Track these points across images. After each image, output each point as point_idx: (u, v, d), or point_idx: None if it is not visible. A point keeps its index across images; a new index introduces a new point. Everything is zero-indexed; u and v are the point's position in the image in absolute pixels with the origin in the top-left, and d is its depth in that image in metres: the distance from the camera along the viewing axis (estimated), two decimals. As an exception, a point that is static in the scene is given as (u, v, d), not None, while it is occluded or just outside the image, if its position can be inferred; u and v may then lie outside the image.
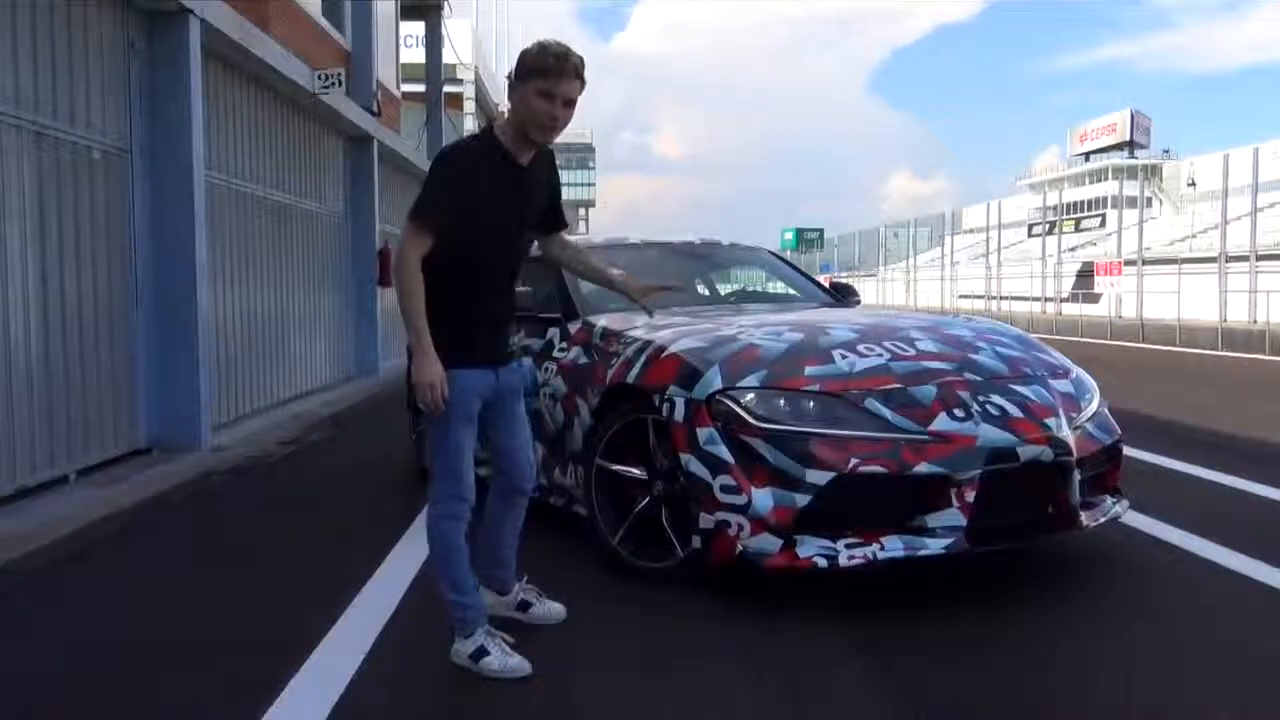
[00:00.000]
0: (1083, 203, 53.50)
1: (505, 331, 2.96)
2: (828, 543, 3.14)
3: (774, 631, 3.04)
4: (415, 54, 17.96)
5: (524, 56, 2.69)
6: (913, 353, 3.58)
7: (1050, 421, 3.39)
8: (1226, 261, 19.74)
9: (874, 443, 3.20)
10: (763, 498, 3.16)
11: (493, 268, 2.82)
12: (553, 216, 3.04)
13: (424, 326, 2.64)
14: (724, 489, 3.23)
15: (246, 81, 8.18)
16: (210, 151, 7.11)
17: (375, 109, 12.00)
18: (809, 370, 3.40)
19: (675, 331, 3.80)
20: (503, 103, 13.89)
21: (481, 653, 2.74)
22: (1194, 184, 39.33)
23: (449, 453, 2.77)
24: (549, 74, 2.65)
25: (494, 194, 2.74)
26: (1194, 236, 28.26)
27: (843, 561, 3.11)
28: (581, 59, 2.70)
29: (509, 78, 2.77)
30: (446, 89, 17.46)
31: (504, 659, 2.73)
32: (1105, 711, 2.52)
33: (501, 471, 3.01)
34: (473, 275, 2.77)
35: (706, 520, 3.27)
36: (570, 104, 2.71)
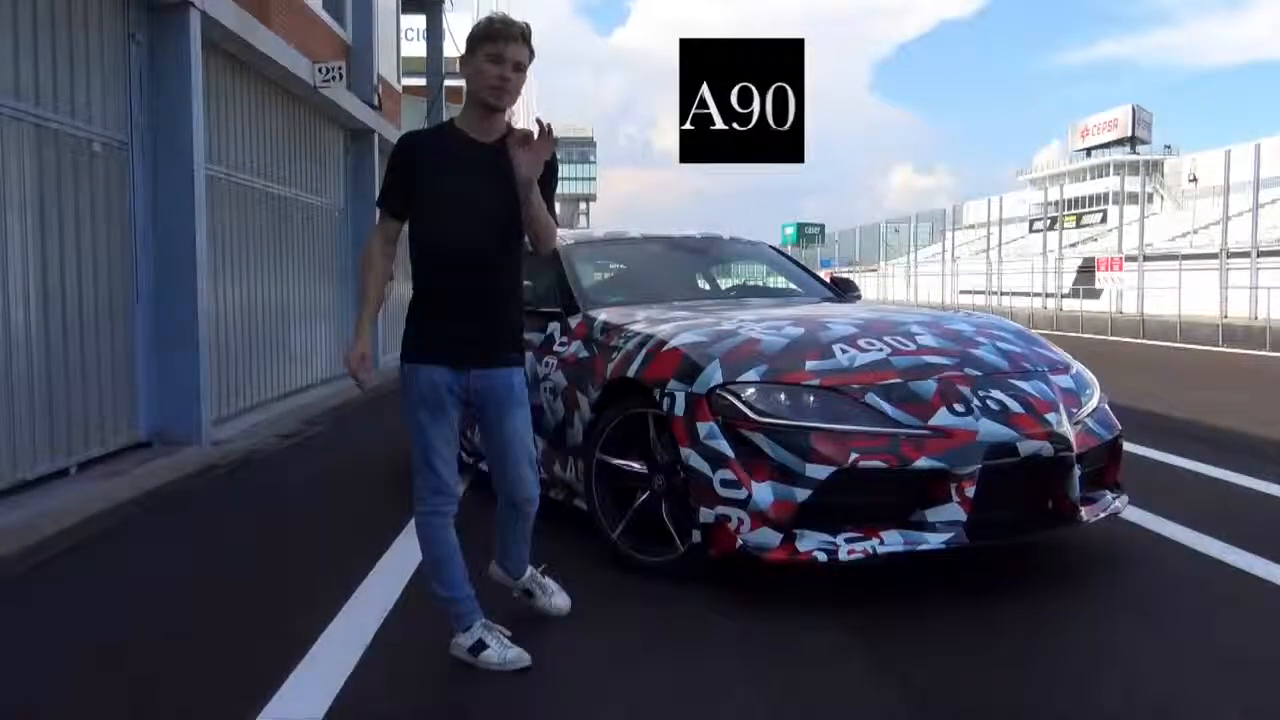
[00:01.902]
0: (1084, 198, 53.43)
1: (481, 331, 2.75)
2: (827, 537, 3.13)
3: (774, 627, 3.04)
4: (416, 48, 17.93)
5: (472, 31, 2.77)
6: (913, 347, 3.58)
7: (1050, 417, 3.38)
8: (1227, 258, 19.74)
9: (874, 437, 3.20)
10: (763, 492, 3.16)
11: (461, 254, 2.74)
12: None
13: (368, 300, 2.82)
14: (724, 483, 3.22)
15: (247, 74, 8.16)
16: (210, 145, 7.10)
17: (376, 102, 11.97)
18: (809, 365, 3.40)
19: (676, 325, 3.79)
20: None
21: (480, 646, 2.74)
22: (1195, 180, 39.21)
23: (419, 447, 2.78)
24: (496, 38, 2.71)
25: (451, 172, 2.74)
26: (1195, 232, 28.20)
27: (842, 556, 3.11)
28: (528, 25, 2.76)
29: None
30: (447, 83, 17.39)
31: (503, 651, 2.73)
32: (1106, 711, 2.52)
33: (497, 484, 2.96)
34: (437, 261, 2.76)
35: (706, 514, 3.27)
36: (519, 68, 2.75)
